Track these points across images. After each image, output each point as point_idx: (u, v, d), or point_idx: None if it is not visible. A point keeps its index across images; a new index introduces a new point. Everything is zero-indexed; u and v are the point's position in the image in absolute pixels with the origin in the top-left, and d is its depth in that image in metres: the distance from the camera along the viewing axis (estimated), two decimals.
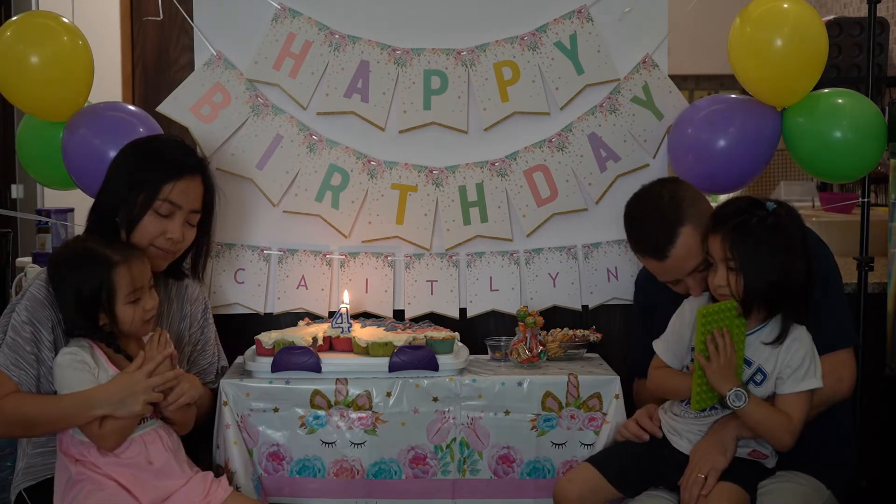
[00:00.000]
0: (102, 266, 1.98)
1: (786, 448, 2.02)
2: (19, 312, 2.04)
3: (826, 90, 2.53)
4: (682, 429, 2.11)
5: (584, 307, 2.67)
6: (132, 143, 2.24)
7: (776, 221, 2.01)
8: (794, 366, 2.00)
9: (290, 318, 2.62)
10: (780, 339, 2.01)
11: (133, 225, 2.12)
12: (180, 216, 2.17)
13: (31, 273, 3.01)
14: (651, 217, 2.18)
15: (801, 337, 2.03)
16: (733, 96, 2.61)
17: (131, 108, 2.55)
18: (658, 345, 2.18)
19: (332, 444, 2.26)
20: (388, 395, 2.26)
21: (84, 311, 1.98)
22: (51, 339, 2.04)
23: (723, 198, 3.08)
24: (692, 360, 2.06)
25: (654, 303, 2.34)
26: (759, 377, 2.03)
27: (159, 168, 2.15)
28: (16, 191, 4.96)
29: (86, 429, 1.96)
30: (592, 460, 2.16)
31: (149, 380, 1.97)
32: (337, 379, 2.27)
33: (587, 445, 2.27)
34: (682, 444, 2.10)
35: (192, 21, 2.60)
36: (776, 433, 2.00)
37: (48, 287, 2.05)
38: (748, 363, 2.04)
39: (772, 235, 2.00)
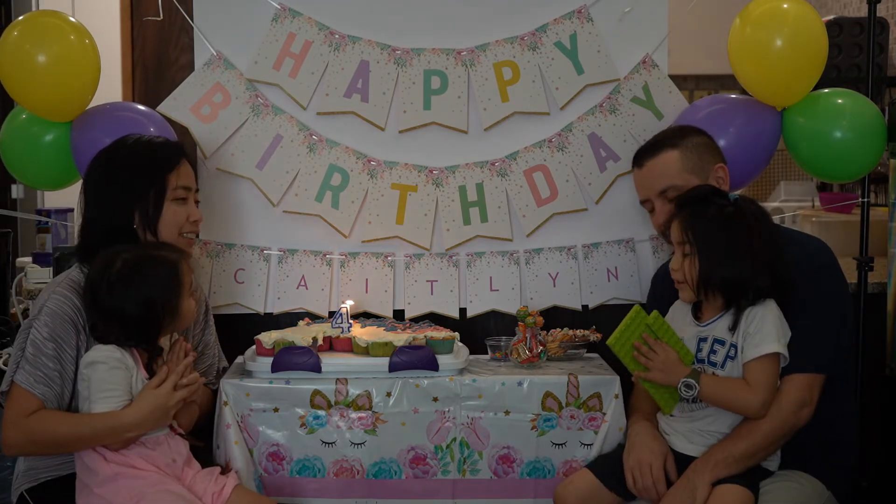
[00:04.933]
0: (168, 266, 2.01)
1: (757, 416, 2.00)
2: (39, 329, 2.00)
3: (826, 90, 2.53)
4: (679, 428, 2.11)
5: (584, 307, 2.67)
6: (106, 152, 2.22)
7: (736, 212, 2.04)
8: (752, 332, 2.01)
9: (290, 318, 2.62)
10: (735, 325, 2.03)
11: (156, 221, 2.15)
12: (191, 198, 2.24)
13: (32, 273, 3.01)
14: (654, 137, 2.38)
15: (761, 305, 2.03)
16: (733, 96, 2.61)
17: (141, 107, 2.55)
18: None
19: (332, 444, 2.26)
20: (388, 395, 2.26)
21: (152, 314, 1.98)
22: (73, 354, 2.01)
23: None
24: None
25: (668, 298, 2.33)
26: (732, 351, 2.04)
27: (156, 162, 2.19)
28: (16, 191, 4.97)
29: None
30: (591, 466, 2.18)
31: (176, 393, 1.99)
32: (337, 379, 2.27)
33: (587, 445, 2.27)
34: (679, 444, 2.10)
35: (192, 21, 2.60)
36: (739, 403, 2.01)
37: (71, 303, 2.02)
38: (721, 342, 2.05)
39: (729, 225, 2.03)
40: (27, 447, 2.01)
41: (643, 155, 2.32)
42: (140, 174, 2.17)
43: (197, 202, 2.27)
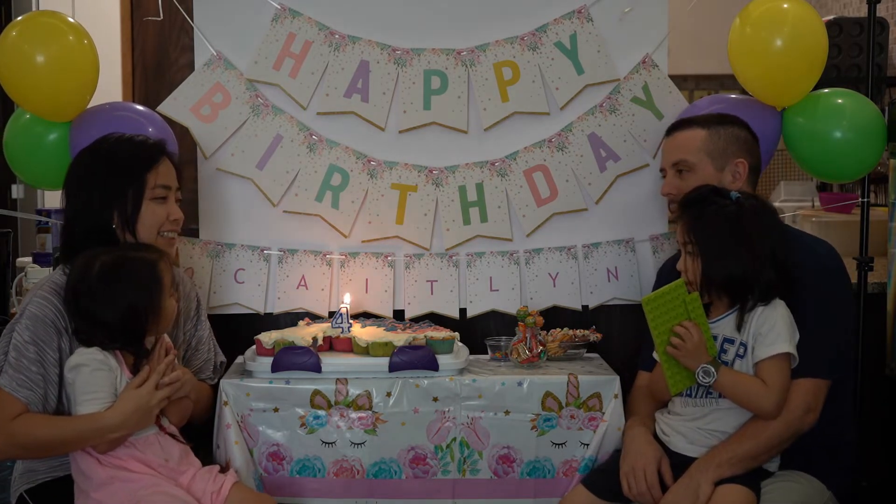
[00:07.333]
0: (148, 267, 2.00)
1: (770, 416, 2.00)
2: (21, 332, 1.99)
3: (826, 90, 2.54)
4: (680, 427, 2.11)
5: (584, 307, 2.67)
6: (88, 151, 2.20)
7: (737, 211, 2.04)
8: (765, 332, 2.01)
9: (290, 318, 2.62)
10: (741, 324, 2.04)
11: (134, 221, 2.13)
12: (172, 196, 2.20)
13: (32, 273, 3.01)
14: (698, 115, 2.42)
15: (771, 305, 2.03)
16: (733, 96, 2.62)
17: (139, 107, 2.55)
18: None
19: (332, 443, 2.26)
20: (388, 395, 2.26)
21: (136, 318, 1.96)
22: (56, 357, 2.00)
23: None
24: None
25: None
26: (741, 350, 2.05)
27: (135, 160, 2.16)
28: (16, 191, 4.96)
29: None
30: (585, 482, 2.19)
31: (158, 393, 1.98)
32: (337, 379, 2.27)
33: (587, 445, 2.27)
34: (680, 445, 2.10)
35: (192, 21, 2.60)
36: (754, 400, 2.00)
37: (53, 306, 2.01)
38: (731, 341, 2.05)
39: (729, 223, 2.03)
40: (12, 451, 2.01)
41: (676, 126, 2.36)
42: (118, 173, 2.14)
43: (178, 200, 2.24)
